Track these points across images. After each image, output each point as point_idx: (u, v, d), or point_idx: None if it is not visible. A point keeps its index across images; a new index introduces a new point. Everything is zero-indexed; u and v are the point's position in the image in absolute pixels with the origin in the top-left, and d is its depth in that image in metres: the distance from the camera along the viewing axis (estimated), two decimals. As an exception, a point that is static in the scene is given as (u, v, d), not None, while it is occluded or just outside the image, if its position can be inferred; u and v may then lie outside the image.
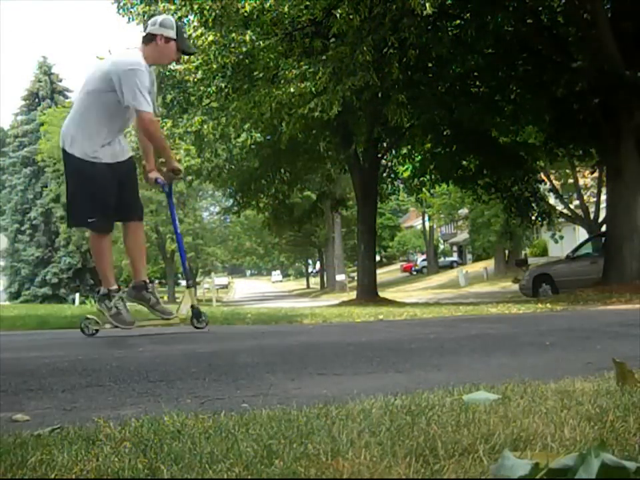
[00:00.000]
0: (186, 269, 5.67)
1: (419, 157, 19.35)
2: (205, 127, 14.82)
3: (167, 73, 16.02)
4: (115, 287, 4.62)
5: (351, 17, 10.81)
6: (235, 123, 13.96)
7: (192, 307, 4.80)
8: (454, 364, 3.01)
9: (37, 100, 47.58)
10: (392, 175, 21.39)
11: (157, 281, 69.38)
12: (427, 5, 9.74)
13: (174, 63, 15.86)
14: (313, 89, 11.30)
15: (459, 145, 17.07)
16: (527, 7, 13.17)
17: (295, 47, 12.67)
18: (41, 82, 47.61)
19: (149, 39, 4.60)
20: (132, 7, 15.81)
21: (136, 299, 4.75)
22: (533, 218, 18.32)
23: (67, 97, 47.94)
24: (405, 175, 21.03)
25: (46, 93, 47.36)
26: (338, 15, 10.89)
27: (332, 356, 3.38)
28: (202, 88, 14.21)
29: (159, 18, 4.75)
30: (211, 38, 12.18)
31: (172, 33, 4.64)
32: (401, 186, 22.37)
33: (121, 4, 15.77)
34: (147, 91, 4.32)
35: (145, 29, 4.71)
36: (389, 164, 20.90)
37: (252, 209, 22.96)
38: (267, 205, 22.13)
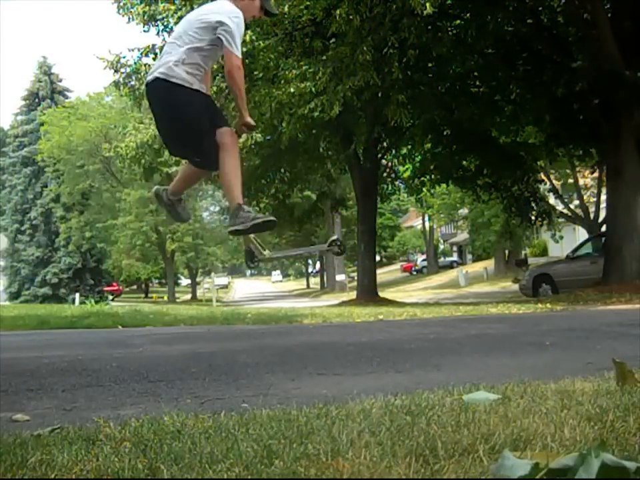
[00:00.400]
0: None
1: (419, 157, 19.35)
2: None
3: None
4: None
5: (350, 17, 10.80)
6: (235, 122, 13.93)
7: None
8: (454, 364, 3.01)
9: (36, 100, 47.56)
10: (392, 175, 21.39)
11: (156, 281, 69.40)
12: (427, 4, 9.73)
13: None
14: (313, 89, 11.29)
15: (459, 145, 17.06)
16: (527, 7, 13.17)
17: (294, 47, 12.66)
18: (41, 82, 47.60)
19: None
20: (132, 7, 15.82)
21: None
22: (533, 218, 18.31)
23: (66, 97, 47.92)
24: (406, 175, 21.03)
25: (46, 93, 47.35)
26: (337, 15, 10.88)
27: (332, 356, 3.38)
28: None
29: None
30: None
31: None
32: (402, 186, 22.37)
33: (121, 4, 15.78)
34: (241, 39, 4.40)
35: None
36: (389, 164, 20.90)
37: (253, 208, 22.96)
38: (268, 205, 22.11)
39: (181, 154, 4.80)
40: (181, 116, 4.13)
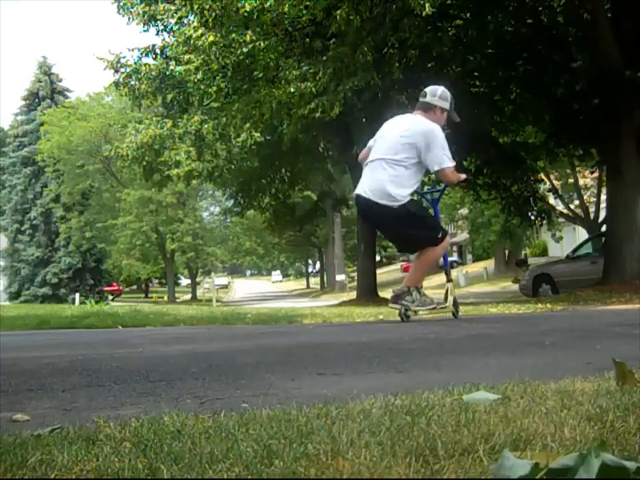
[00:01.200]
0: (447, 265, 5.94)
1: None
2: (205, 126, 14.81)
3: (167, 73, 16.01)
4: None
5: (351, 17, 10.80)
6: (235, 123, 13.95)
7: (454, 298, 5.67)
8: (454, 364, 3.01)
9: (37, 100, 47.58)
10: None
11: (156, 281, 69.43)
12: (427, 5, 9.73)
13: (174, 63, 15.94)
14: (314, 89, 11.29)
15: (459, 145, 17.04)
16: (527, 7, 13.17)
17: (294, 47, 12.66)
18: (41, 82, 47.61)
19: (428, 107, 5.42)
20: (132, 7, 15.82)
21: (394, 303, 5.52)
22: (532, 217, 18.30)
23: (66, 97, 47.96)
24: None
25: (46, 93, 47.36)
26: (338, 16, 10.88)
27: (332, 356, 3.38)
28: (202, 88, 14.20)
29: (439, 90, 5.53)
30: (211, 38, 12.18)
31: (447, 105, 5.48)
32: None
33: (121, 4, 15.78)
34: (447, 147, 5.22)
35: (423, 96, 5.48)
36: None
37: (254, 209, 22.99)
38: (269, 204, 22.12)
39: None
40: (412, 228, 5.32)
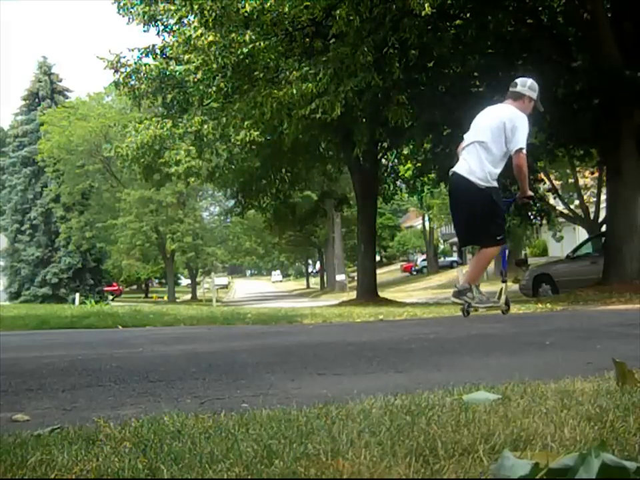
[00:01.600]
0: (504, 267, 6.23)
1: (422, 156, 19.35)
2: (205, 127, 14.80)
3: (167, 73, 16.01)
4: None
5: (351, 17, 10.80)
6: (235, 122, 13.95)
7: (506, 297, 6.08)
8: (454, 364, 3.01)
9: (37, 100, 47.56)
10: (392, 175, 21.39)
11: (156, 281, 69.41)
12: (426, 5, 9.73)
13: (173, 63, 15.95)
14: (315, 89, 11.29)
15: (458, 145, 17.04)
16: (527, 7, 13.17)
17: (294, 47, 12.65)
18: (41, 82, 47.58)
19: (518, 96, 5.89)
20: (132, 7, 15.82)
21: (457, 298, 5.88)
22: (532, 217, 18.29)
23: (66, 97, 47.92)
24: (407, 174, 21.03)
25: (46, 92, 47.34)
26: (337, 16, 10.88)
27: (332, 356, 3.38)
28: (201, 88, 14.20)
29: (528, 81, 5.97)
30: (211, 38, 12.18)
31: (535, 95, 5.93)
32: (403, 186, 22.38)
33: (121, 4, 15.78)
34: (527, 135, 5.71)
35: (514, 86, 5.95)
36: (390, 164, 20.90)
37: (255, 209, 23.00)
38: (269, 205, 22.11)
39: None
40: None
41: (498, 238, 5.85)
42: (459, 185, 5.88)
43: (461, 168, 5.85)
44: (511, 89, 5.98)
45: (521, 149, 5.60)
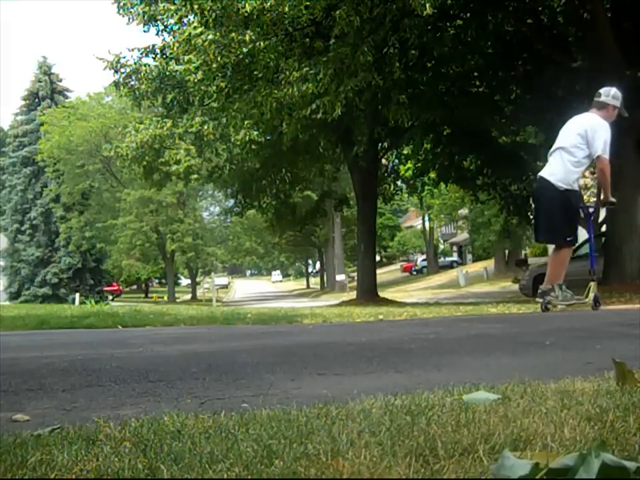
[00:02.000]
0: (593, 265, 6.73)
1: (422, 156, 19.36)
2: (206, 127, 14.80)
3: (167, 74, 16.01)
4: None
5: (351, 18, 10.80)
6: (236, 122, 13.95)
7: (595, 295, 6.42)
8: (454, 364, 3.01)
9: (36, 100, 47.55)
10: (392, 175, 21.41)
11: (156, 281, 69.39)
12: (427, 5, 9.73)
13: (173, 63, 15.94)
14: (315, 90, 11.28)
15: (459, 145, 17.06)
16: (527, 7, 13.17)
17: (294, 48, 12.65)
18: (41, 82, 47.58)
19: (602, 106, 6.41)
20: (132, 7, 15.82)
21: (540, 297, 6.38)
22: (532, 218, 18.28)
23: (66, 97, 47.91)
24: (408, 174, 21.05)
25: (46, 92, 47.33)
26: (338, 17, 10.88)
27: (332, 356, 3.38)
28: (202, 88, 14.19)
29: (612, 91, 6.56)
30: (210, 37, 12.18)
31: (618, 103, 6.51)
32: (403, 186, 22.40)
33: (121, 4, 15.78)
34: (608, 142, 6.08)
35: (598, 96, 6.47)
36: (390, 164, 20.91)
37: (255, 209, 23.00)
38: (269, 204, 22.12)
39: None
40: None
41: (568, 239, 6.31)
42: (540, 185, 6.38)
43: (544, 171, 6.36)
44: (595, 99, 6.45)
45: (601, 156, 6.01)
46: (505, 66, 14.45)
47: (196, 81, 13.79)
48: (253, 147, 16.03)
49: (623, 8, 12.53)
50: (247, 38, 11.88)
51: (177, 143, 17.03)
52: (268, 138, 16.77)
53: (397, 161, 20.88)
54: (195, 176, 20.17)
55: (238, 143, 15.37)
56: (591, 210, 6.66)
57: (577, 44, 13.71)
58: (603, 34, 11.88)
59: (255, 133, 14.22)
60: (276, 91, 12.14)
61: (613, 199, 6.35)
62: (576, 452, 1.05)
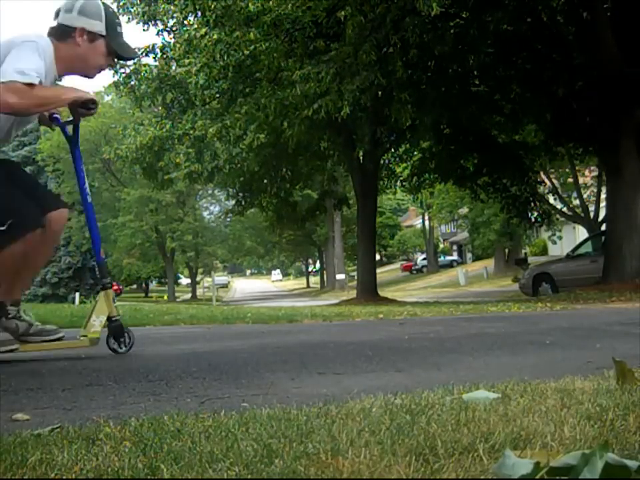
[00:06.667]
0: (99, 257, 3.52)
1: (419, 154, 19.36)
2: (210, 130, 14.76)
3: (167, 74, 15.99)
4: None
5: (356, 17, 10.82)
6: (240, 125, 13.96)
7: (110, 319, 3.40)
8: (454, 363, 3.01)
9: (36, 99, 47.51)
10: (390, 174, 21.42)
11: (156, 281, 69.38)
12: (433, 4, 9.68)
13: (174, 64, 15.90)
14: (317, 90, 11.28)
15: (458, 144, 17.06)
16: (527, 6, 13.15)
17: (295, 48, 12.64)
18: (40, 81, 47.58)
19: (64, 32, 3.24)
20: (132, 7, 15.82)
21: None
22: (532, 219, 18.31)
23: (66, 97, 47.89)
24: (405, 174, 21.05)
25: (46, 92, 47.30)
26: (342, 17, 10.89)
27: (332, 355, 3.38)
28: (205, 92, 14.17)
29: (78, 2, 3.25)
30: (215, 36, 12.17)
31: (97, 26, 3.22)
32: (398, 183, 22.38)
33: (121, 4, 15.77)
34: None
35: (56, 16, 3.32)
36: (386, 161, 20.91)
37: (255, 208, 23.01)
38: (270, 203, 22.13)
39: None
40: None
41: None
42: None
43: None
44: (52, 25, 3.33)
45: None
46: (504, 65, 14.44)
47: (199, 86, 13.71)
48: (255, 148, 16.03)
49: (622, 7, 12.53)
50: (252, 36, 11.87)
51: (176, 146, 17.00)
52: (268, 137, 16.77)
53: (395, 159, 20.89)
54: (197, 179, 20.16)
55: (244, 147, 15.37)
56: (58, 118, 3.42)
57: (576, 43, 13.70)
58: (602, 33, 11.88)
59: (262, 136, 14.22)
60: (279, 92, 12.15)
61: (87, 95, 3.16)
62: (577, 451, 1.05)
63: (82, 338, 3.31)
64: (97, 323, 3.29)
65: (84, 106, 3.24)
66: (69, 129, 3.50)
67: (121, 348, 3.35)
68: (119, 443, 1.50)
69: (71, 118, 3.40)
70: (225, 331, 5.73)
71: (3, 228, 3.03)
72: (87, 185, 3.54)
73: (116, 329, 3.30)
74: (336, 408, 1.79)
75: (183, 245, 42.81)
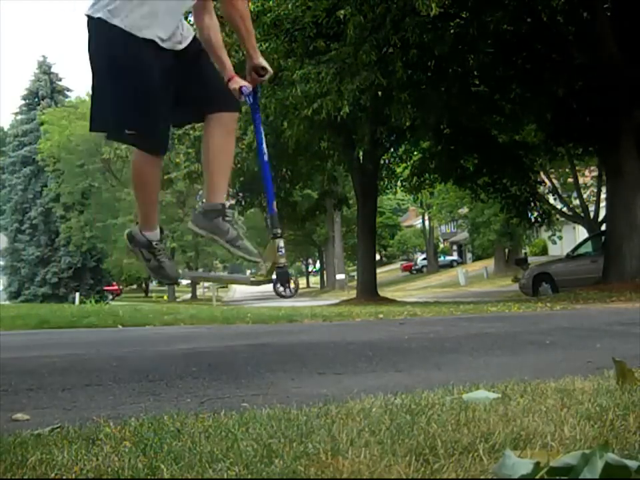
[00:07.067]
0: (272, 209, 3.57)
1: (419, 154, 19.35)
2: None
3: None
4: (158, 235, 3.52)
5: (356, 18, 10.81)
6: (240, 125, 13.94)
7: (278, 266, 3.37)
8: (454, 363, 3.01)
9: (36, 99, 47.53)
10: (390, 174, 21.41)
11: (155, 281, 69.41)
12: (433, 5, 9.68)
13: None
14: (318, 90, 11.28)
15: (458, 144, 17.06)
16: (527, 6, 13.15)
17: (295, 48, 12.64)
18: (40, 81, 47.54)
19: None
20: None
21: (206, 229, 3.34)
22: (532, 219, 18.30)
23: (66, 97, 47.90)
24: (405, 174, 21.05)
25: (46, 92, 47.30)
26: (343, 17, 10.88)
27: (332, 355, 3.38)
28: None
29: None
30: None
31: None
32: (398, 184, 22.38)
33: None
34: None
35: None
36: (386, 161, 20.91)
37: (255, 207, 23.00)
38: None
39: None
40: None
41: (128, 128, 2.89)
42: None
43: None
44: None
45: None
46: (504, 65, 14.43)
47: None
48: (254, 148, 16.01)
49: (622, 7, 12.53)
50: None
51: (176, 146, 17.00)
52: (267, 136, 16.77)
53: (392, 160, 20.90)
54: (195, 176, 20.13)
55: (244, 147, 15.36)
56: (246, 92, 3.22)
57: (576, 43, 13.70)
58: (602, 33, 11.88)
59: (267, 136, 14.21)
60: (279, 92, 12.14)
61: (263, 61, 3.20)
62: (577, 451, 1.05)
63: (251, 279, 3.53)
64: (264, 267, 3.43)
65: (257, 72, 3.31)
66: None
67: (287, 292, 3.40)
68: (119, 443, 1.50)
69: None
70: (224, 331, 5.73)
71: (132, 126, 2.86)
72: (264, 145, 3.60)
73: (282, 275, 3.36)
74: (336, 408, 1.79)
75: (183, 244, 42.79)
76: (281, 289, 3.35)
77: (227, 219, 3.27)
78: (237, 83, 3.29)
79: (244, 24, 3.10)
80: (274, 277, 3.39)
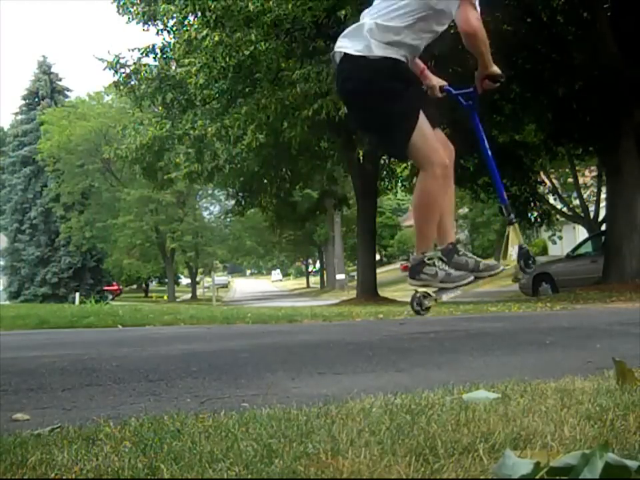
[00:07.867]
0: (504, 199, 3.88)
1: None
2: (209, 129, 14.74)
3: (165, 75, 15.98)
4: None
5: (356, 18, 10.80)
6: (239, 124, 13.95)
7: (520, 247, 3.62)
8: (454, 363, 3.01)
9: (36, 99, 47.51)
10: (390, 174, 21.41)
11: (156, 280, 69.43)
12: None
13: (173, 64, 15.92)
14: (318, 90, 11.27)
15: (458, 144, 17.03)
16: (527, 6, 13.15)
17: (295, 48, 12.64)
18: (40, 81, 47.52)
19: None
20: (132, 7, 15.81)
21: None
22: (532, 219, 18.28)
23: (66, 97, 47.88)
24: (405, 174, 21.04)
25: (46, 92, 47.28)
26: (343, 17, 10.87)
27: (332, 355, 3.38)
28: (205, 92, 14.17)
29: None
30: (216, 38, 12.16)
31: None
32: (399, 184, 22.37)
33: (121, 4, 15.78)
34: None
35: None
36: (386, 161, 20.91)
37: (256, 207, 23.01)
38: (270, 203, 22.13)
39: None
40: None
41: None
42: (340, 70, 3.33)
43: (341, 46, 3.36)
44: None
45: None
46: (504, 65, 14.42)
47: (198, 85, 13.70)
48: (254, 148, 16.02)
49: (622, 7, 12.53)
50: (252, 37, 11.86)
51: (176, 146, 16.99)
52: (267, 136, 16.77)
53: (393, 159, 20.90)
54: (197, 180, 20.15)
55: (244, 147, 15.35)
56: (469, 97, 3.60)
57: (576, 43, 13.69)
58: (602, 33, 11.87)
59: (261, 136, 14.20)
60: (280, 92, 12.13)
61: (497, 70, 3.42)
62: (577, 451, 1.05)
63: (506, 267, 3.73)
64: (514, 252, 3.73)
65: (493, 79, 3.51)
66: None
67: (529, 268, 3.64)
68: (119, 443, 1.50)
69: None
70: (224, 331, 5.73)
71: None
72: (486, 143, 4.00)
73: (525, 254, 3.63)
74: (336, 408, 1.79)
75: (183, 245, 42.78)
76: (524, 266, 3.62)
77: (460, 252, 3.58)
78: (432, 79, 3.60)
79: (485, 48, 3.35)
80: (514, 257, 3.63)
